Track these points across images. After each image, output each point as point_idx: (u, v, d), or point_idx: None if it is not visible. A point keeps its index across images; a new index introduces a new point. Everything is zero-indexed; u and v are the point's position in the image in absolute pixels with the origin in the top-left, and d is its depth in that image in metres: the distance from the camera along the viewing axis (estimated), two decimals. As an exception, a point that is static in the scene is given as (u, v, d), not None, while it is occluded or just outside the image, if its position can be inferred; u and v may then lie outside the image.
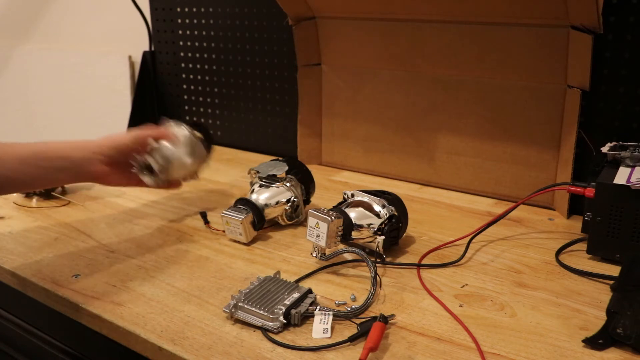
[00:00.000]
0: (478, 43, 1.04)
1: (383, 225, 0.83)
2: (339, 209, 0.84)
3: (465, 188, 1.12)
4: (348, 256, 0.85)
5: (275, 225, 0.97)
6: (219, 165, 1.32)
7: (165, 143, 0.89)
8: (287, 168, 0.98)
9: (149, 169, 0.88)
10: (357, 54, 1.19)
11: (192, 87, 1.50)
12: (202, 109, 1.50)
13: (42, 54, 1.88)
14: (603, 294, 0.74)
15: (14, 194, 1.09)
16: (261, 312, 0.67)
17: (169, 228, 0.97)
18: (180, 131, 0.92)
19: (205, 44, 1.44)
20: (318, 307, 0.69)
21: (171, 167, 0.89)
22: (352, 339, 0.64)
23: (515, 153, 1.05)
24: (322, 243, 0.79)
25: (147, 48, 1.55)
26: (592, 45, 0.89)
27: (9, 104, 2.04)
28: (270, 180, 0.96)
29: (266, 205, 0.92)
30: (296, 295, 0.70)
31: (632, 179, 0.79)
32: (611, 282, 0.70)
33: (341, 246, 0.83)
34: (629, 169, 0.83)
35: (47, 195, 1.08)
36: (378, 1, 1.09)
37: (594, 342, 0.63)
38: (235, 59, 1.39)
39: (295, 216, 0.97)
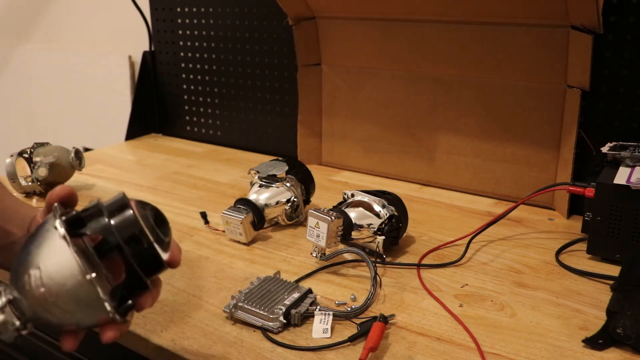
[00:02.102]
0: (478, 43, 1.04)
1: (383, 225, 0.83)
2: (339, 209, 0.84)
3: (465, 188, 1.12)
4: (348, 256, 0.85)
5: (275, 225, 0.97)
6: (219, 165, 1.32)
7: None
8: (287, 168, 0.98)
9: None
10: (357, 54, 1.19)
11: (192, 87, 1.50)
12: (202, 109, 1.50)
13: (42, 54, 1.88)
14: (603, 294, 0.74)
15: (15, 193, 1.09)
16: (261, 312, 0.67)
17: (169, 228, 0.97)
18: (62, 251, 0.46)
19: (205, 44, 1.44)
20: (318, 307, 0.69)
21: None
22: (352, 339, 0.64)
23: (515, 153, 1.05)
24: (322, 243, 0.79)
25: (147, 48, 1.55)
26: (592, 45, 0.89)
27: (9, 104, 2.04)
28: (270, 180, 0.95)
29: (266, 205, 0.92)
30: (296, 295, 0.70)
31: (632, 179, 0.79)
32: (611, 282, 0.70)
33: (341, 246, 0.83)
34: (629, 169, 0.83)
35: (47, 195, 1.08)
36: (378, 1, 1.09)
37: (594, 342, 0.63)
38: (235, 59, 1.39)
39: (295, 216, 0.97)
